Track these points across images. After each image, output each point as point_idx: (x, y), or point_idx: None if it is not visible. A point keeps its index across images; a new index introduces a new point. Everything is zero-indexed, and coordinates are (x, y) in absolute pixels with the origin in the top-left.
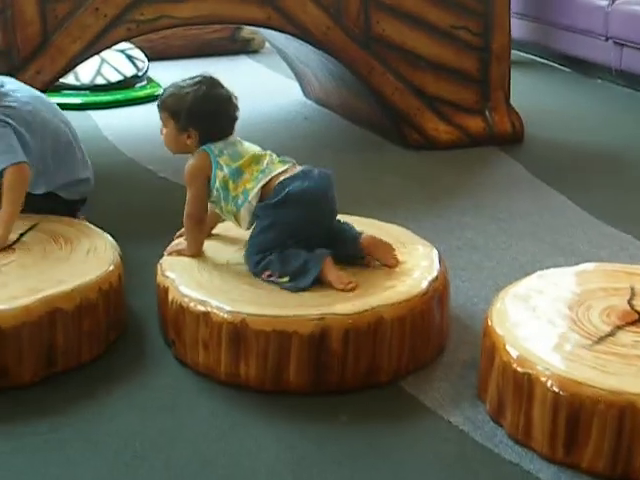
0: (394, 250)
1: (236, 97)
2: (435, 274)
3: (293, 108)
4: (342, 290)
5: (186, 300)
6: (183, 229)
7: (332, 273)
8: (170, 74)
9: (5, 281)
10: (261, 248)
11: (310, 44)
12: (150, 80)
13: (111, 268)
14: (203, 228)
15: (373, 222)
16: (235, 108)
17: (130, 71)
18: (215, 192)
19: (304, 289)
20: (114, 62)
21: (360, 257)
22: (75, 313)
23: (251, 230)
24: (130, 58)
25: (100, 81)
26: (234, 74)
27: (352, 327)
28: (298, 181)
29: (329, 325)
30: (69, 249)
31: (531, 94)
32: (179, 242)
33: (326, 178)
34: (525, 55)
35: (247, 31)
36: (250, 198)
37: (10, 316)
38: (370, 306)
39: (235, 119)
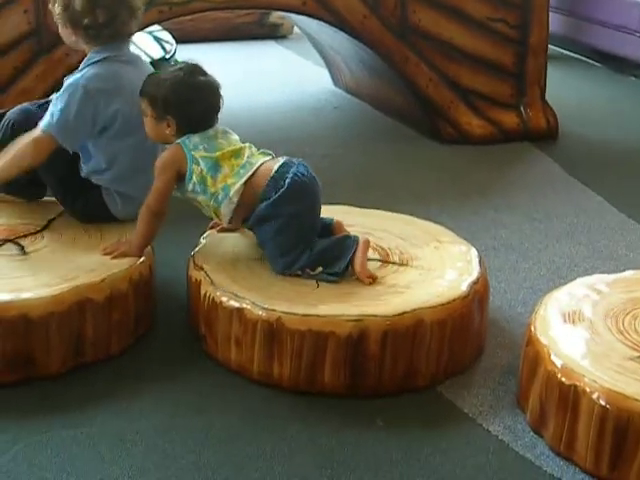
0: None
1: (219, 86)
2: (476, 276)
3: (322, 96)
4: (364, 280)
5: (219, 295)
6: (215, 219)
7: (361, 260)
8: (198, 57)
9: (35, 268)
10: (287, 249)
11: (345, 32)
12: (177, 63)
13: (142, 259)
14: (158, 224)
15: (412, 219)
16: (217, 97)
17: (158, 53)
18: (191, 186)
19: (338, 275)
20: (142, 44)
21: None
22: (105, 304)
23: (263, 233)
24: (158, 40)
25: None
26: (262, 59)
27: (391, 329)
28: (292, 167)
29: (367, 327)
30: (99, 237)
31: (564, 89)
32: (120, 242)
33: (307, 165)
34: (558, 50)
35: (276, 16)
36: (231, 194)
37: (39, 305)
38: (410, 308)
39: (217, 109)
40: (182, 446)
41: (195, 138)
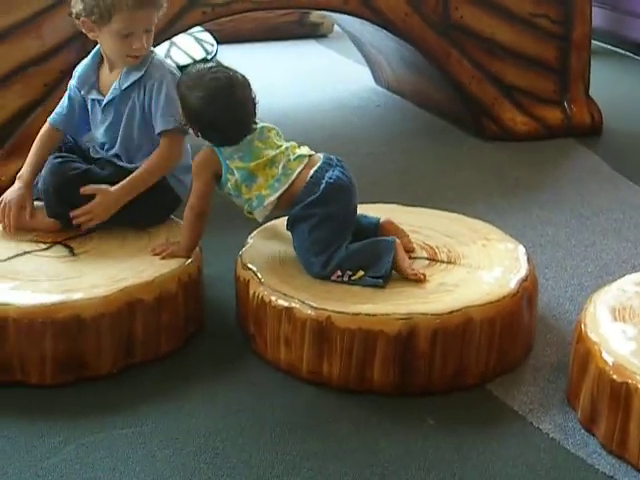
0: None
1: (253, 98)
2: (524, 273)
3: (364, 95)
4: (413, 279)
5: (268, 294)
6: None
7: (405, 260)
8: (239, 58)
9: (84, 269)
10: (321, 247)
11: (387, 30)
12: (219, 63)
13: (190, 259)
14: (203, 223)
15: (459, 217)
16: (249, 111)
17: (199, 54)
18: (227, 190)
19: (384, 279)
20: (183, 45)
21: None
22: (155, 304)
23: (298, 234)
24: (199, 41)
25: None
26: (303, 59)
27: (440, 327)
28: (328, 171)
29: (417, 325)
30: (147, 238)
31: (608, 85)
32: (168, 242)
33: (344, 166)
34: (601, 44)
35: (316, 15)
36: (266, 204)
37: (89, 306)
38: (459, 306)
39: (249, 122)
40: (233, 446)
41: (227, 150)
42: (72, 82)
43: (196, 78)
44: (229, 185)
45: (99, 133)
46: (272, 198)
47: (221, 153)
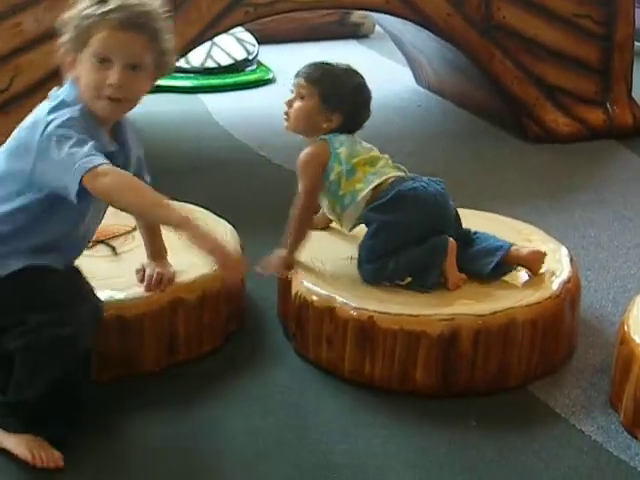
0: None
1: None
2: (567, 275)
3: (405, 95)
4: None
5: (310, 294)
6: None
7: (453, 271)
8: (279, 58)
9: (126, 269)
10: (374, 255)
11: (429, 30)
12: (260, 64)
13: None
14: (311, 225)
15: (501, 218)
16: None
17: (240, 54)
18: (327, 184)
19: (430, 287)
20: (224, 45)
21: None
22: (197, 303)
23: (363, 239)
24: (240, 41)
25: (210, 64)
26: (344, 58)
27: (483, 328)
28: (408, 182)
29: (459, 326)
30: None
31: None
32: (270, 258)
33: (438, 183)
34: None
35: (357, 15)
36: (359, 199)
37: (133, 305)
38: (502, 307)
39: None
40: (275, 444)
41: (342, 137)
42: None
43: (350, 70)
44: (332, 177)
45: None
46: (365, 192)
47: (332, 143)
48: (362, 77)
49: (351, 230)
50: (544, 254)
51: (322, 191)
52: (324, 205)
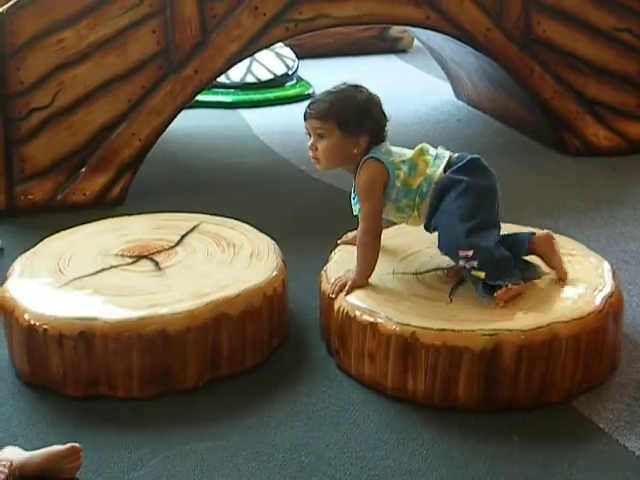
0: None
1: None
2: (610, 290)
3: (445, 109)
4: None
5: (353, 309)
6: (347, 236)
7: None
8: (319, 73)
9: (170, 284)
10: (467, 214)
11: (469, 45)
12: (300, 79)
13: (275, 273)
14: (379, 246)
15: None
16: None
17: (280, 70)
18: (394, 194)
19: (488, 296)
20: (264, 60)
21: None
22: (240, 319)
23: (444, 205)
24: (280, 56)
25: (250, 79)
26: (384, 73)
27: (525, 344)
28: (469, 156)
29: (502, 341)
30: (232, 252)
31: None
32: (341, 277)
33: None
34: None
35: (396, 30)
36: (436, 179)
37: (176, 321)
38: (544, 323)
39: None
40: (318, 460)
41: (382, 148)
42: None
43: (351, 88)
44: (397, 184)
45: None
46: (439, 172)
47: (381, 156)
48: (363, 88)
49: (427, 223)
50: (551, 235)
51: (384, 207)
52: (390, 214)
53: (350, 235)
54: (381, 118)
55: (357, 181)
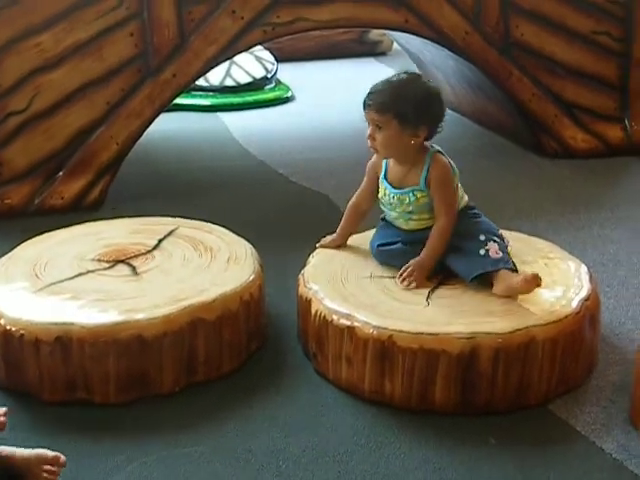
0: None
1: None
2: (587, 292)
3: None
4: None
5: (330, 313)
6: (326, 239)
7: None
8: (298, 76)
9: (147, 289)
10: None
11: (448, 49)
12: (279, 82)
13: (252, 277)
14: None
15: (520, 236)
16: None
17: (259, 73)
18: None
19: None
20: (243, 64)
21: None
22: (216, 323)
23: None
24: (259, 60)
25: (229, 83)
26: (363, 76)
27: (502, 347)
28: None
29: (479, 344)
30: (209, 257)
31: None
32: (413, 266)
33: None
34: None
35: (375, 33)
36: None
37: (152, 326)
38: (521, 326)
39: None
40: (295, 464)
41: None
42: None
43: (411, 78)
44: (456, 182)
45: None
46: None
47: (442, 153)
48: (423, 78)
49: None
50: (536, 282)
51: None
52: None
53: (329, 239)
54: (440, 110)
55: (432, 173)
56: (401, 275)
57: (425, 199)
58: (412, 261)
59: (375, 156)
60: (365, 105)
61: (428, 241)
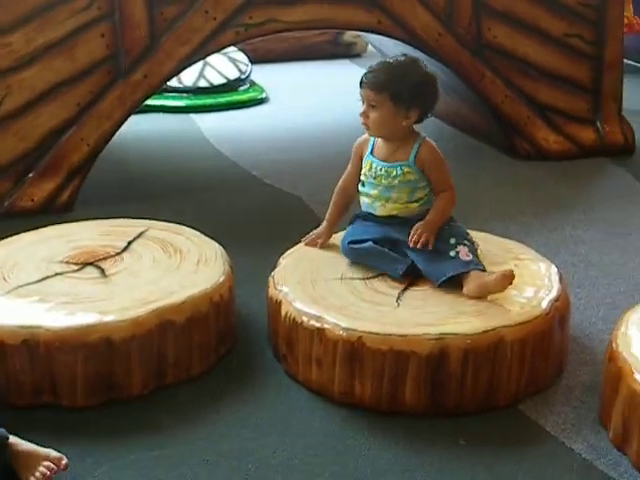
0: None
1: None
2: (556, 293)
3: None
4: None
5: (300, 315)
6: (311, 235)
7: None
8: (273, 77)
9: (115, 291)
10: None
11: (420, 50)
12: (253, 83)
13: (222, 279)
14: None
15: (491, 237)
16: None
17: (233, 74)
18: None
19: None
20: (217, 65)
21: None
22: (186, 325)
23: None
24: (233, 61)
25: (203, 84)
26: (338, 77)
27: (472, 348)
28: None
29: (448, 345)
30: (178, 258)
31: (638, 103)
32: (417, 228)
33: None
34: (633, 63)
35: (350, 35)
36: None
37: (121, 328)
38: (491, 327)
39: None
40: (265, 467)
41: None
42: None
43: (409, 61)
44: None
45: None
46: None
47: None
48: (421, 62)
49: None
50: (511, 279)
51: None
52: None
53: (316, 232)
54: (434, 96)
55: (423, 153)
56: (411, 240)
57: (411, 176)
58: (418, 224)
59: (361, 138)
60: (362, 83)
61: (433, 206)
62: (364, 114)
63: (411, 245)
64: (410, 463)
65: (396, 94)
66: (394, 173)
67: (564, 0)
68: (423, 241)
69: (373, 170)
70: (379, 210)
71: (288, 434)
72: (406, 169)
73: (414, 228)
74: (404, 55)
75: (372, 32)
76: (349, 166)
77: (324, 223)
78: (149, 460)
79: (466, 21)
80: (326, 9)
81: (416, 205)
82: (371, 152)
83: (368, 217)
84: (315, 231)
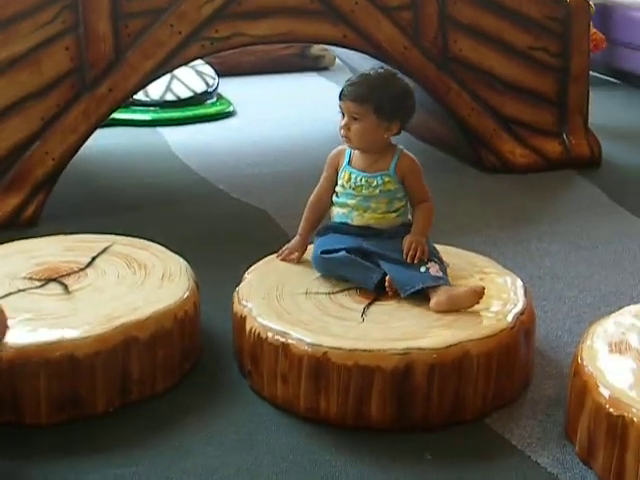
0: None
1: None
2: (521, 307)
3: None
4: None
5: (265, 331)
6: (284, 251)
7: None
8: (240, 91)
9: (79, 307)
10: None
11: (386, 63)
12: (220, 97)
13: (186, 295)
14: None
15: (456, 251)
16: None
17: (200, 87)
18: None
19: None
20: (184, 78)
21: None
22: (150, 342)
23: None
24: (200, 74)
25: (170, 97)
26: (304, 91)
27: (437, 362)
28: None
29: (413, 360)
30: (143, 274)
31: (606, 116)
32: (411, 242)
33: None
34: (598, 76)
35: (317, 48)
36: None
37: (84, 345)
38: (456, 341)
39: None
40: None
41: None
42: None
43: (389, 74)
44: None
45: None
46: None
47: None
48: (399, 75)
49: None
50: (481, 295)
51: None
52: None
53: (289, 245)
54: (413, 108)
55: (403, 163)
56: (407, 254)
57: (391, 186)
58: (407, 237)
59: (335, 150)
60: (342, 95)
61: (415, 220)
62: (345, 127)
63: (408, 261)
64: (376, 479)
65: (379, 106)
66: (375, 183)
67: (530, 13)
68: (419, 255)
69: (352, 181)
70: (356, 220)
71: (253, 451)
72: (386, 179)
73: (407, 243)
74: (382, 67)
75: (338, 46)
76: (322, 179)
77: (297, 237)
78: (114, 478)
79: (432, 34)
80: (292, 23)
81: (394, 215)
82: (348, 163)
83: (341, 228)
84: (288, 245)
